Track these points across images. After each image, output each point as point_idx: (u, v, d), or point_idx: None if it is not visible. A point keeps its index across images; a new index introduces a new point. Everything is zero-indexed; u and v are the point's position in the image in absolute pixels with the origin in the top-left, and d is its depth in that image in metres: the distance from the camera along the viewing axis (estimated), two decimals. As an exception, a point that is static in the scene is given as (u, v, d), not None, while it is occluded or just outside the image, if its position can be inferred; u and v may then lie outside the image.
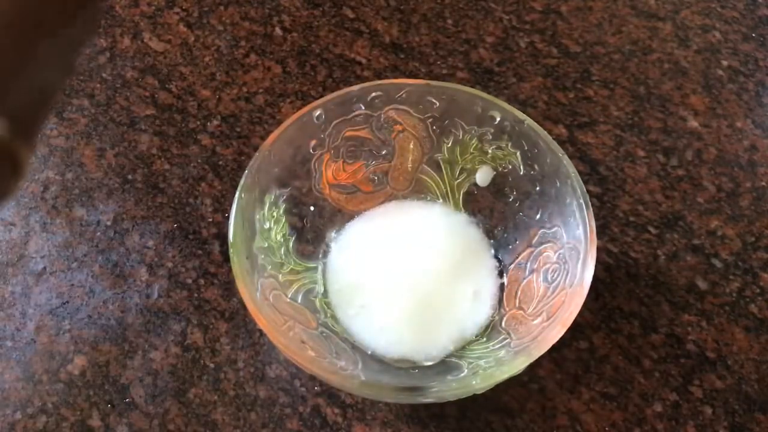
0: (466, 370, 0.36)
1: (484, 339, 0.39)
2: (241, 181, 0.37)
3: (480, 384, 0.33)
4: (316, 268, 0.41)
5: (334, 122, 0.41)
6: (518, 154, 0.40)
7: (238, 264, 0.35)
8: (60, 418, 0.39)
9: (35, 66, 0.17)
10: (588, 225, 0.35)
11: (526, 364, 0.33)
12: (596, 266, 0.34)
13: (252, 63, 0.52)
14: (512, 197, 0.41)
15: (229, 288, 0.43)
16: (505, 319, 0.39)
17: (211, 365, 0.40)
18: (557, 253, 0.38)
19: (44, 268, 0.43)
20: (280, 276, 0.38)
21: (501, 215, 0.42)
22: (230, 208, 0.36)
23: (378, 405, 0.39)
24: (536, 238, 0.40)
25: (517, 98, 0.51)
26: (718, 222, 0.46)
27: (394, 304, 0.39)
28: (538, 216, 0.40)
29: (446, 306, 0.40)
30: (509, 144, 0.40)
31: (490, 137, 0.41)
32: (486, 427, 0.39)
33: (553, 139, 0.38)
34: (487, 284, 0.41)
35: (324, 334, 0.38)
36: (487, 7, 0.56)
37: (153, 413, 0.39)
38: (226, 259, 0.43)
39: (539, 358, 0.32)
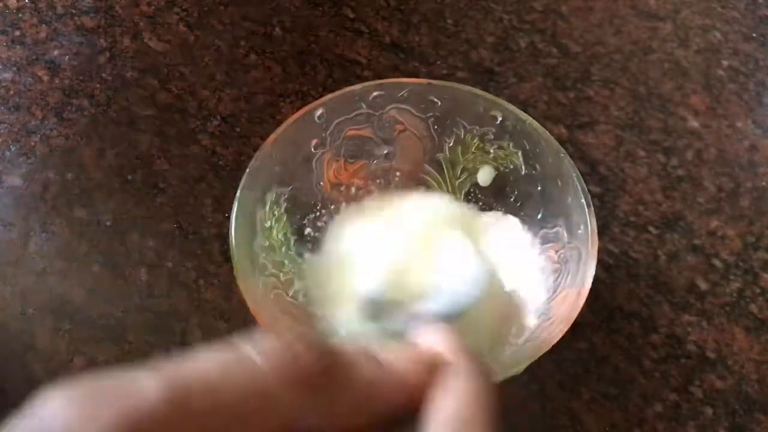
0: (466, 370, 0.36)
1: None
2: (243, 180, 0.37)
3: (481, 384, 0.33)
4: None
5: (336, 121, 0.40)
6: (520, 153, 0.40)
7: (239, 263, 0.34)
8: (60, 418, 0.39)
9: None
10: (589, 225, 0.35)
11: (526, 364, 0.33)
12: (596, 266, 0.34)
13: (252, 63, 0.52)
14: (513, 197, 0.41)
15: (229, 288, 0.43)
16: (505, 318, 0.39)
17: (212, 365, 0.40)
18: (558, 253, 0.38)
19: (44, 268, 0.43)
20: (281, 275, 0.38)
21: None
22: (230, 208, 0.36)
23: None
24: (537, 238, 0.40)
25: (518, 98, 0.51)
26: (718, 222, 0.46)
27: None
28: (539, 216, 0.40)
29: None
30: (511, 144, 0.40)
31: (492, 137, 0.41)
32: (487, 427, 0.39)
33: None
34: None
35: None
36: (487, 7, 0.56)
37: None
38: (226, 259, 0.43)
39: (539, 358, 0.32)
